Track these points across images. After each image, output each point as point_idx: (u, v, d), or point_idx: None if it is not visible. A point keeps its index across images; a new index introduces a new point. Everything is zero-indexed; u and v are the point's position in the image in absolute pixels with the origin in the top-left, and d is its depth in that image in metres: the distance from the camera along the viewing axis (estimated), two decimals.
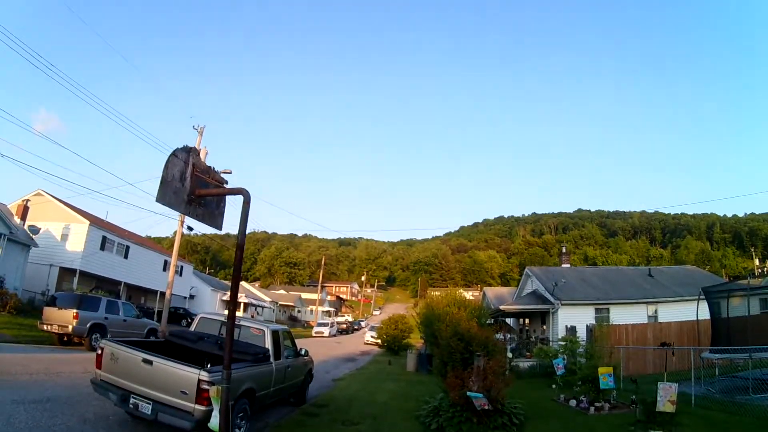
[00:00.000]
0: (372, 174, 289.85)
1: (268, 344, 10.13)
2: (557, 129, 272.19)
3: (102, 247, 35.18)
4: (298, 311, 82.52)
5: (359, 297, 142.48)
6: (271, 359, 9.97)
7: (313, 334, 53.13)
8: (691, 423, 10.82)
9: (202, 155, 26.89)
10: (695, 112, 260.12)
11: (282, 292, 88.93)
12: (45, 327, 18.80)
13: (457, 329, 14.78)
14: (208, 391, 7.02)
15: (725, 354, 15.42)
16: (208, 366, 7.60)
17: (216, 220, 8.28)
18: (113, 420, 8.59)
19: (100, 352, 8.06)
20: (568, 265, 31.70)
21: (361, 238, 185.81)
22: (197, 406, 7.10)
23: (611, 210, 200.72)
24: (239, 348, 9.32)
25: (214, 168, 8.30)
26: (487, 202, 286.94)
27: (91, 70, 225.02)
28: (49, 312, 18.96)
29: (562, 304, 24.22)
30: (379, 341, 39.03)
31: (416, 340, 35.64)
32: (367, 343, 44.45)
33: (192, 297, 49.79)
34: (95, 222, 35.01)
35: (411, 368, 23.74)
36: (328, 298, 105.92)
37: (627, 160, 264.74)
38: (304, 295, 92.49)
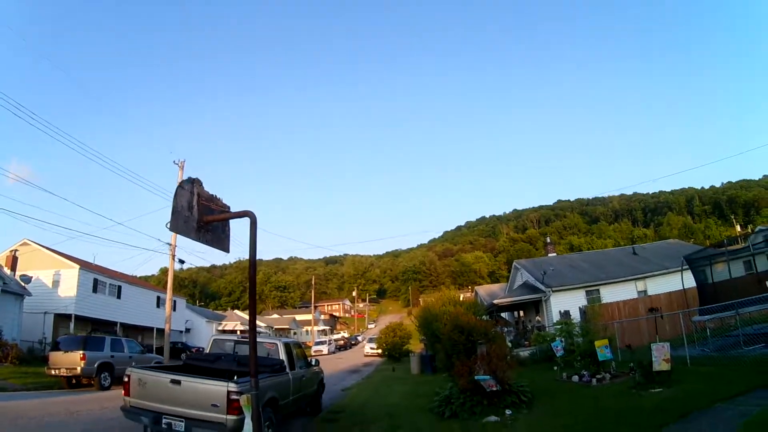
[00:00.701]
0: (352, 188, 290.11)
1: (282, 356, 10.62)
2: (529, 120, 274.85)
3: (94, 290, 35.14)
4: (294, 333, 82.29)
5: (352, 313, 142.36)
6: (287, 369, 10.45)
7: (313, 353, 53.08)
8: (688, 379, 11.52)
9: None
10: (662, 87, 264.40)
11: (276, 316, 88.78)
12: (53, 371, 18.88)
13: (457, 323, 15.36)
14: (238, 401, 7.50)
15: (713, 315, 16.14)
16: (235, 378, 8.07)
17: (223, 243, 8.85)
18: None
19: (126, 380, 8.47)
20: (555, 254, 32.53)
21: (346, 254, 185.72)
22: (229, 417, 7.57)
23: (591, 197, 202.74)
24: (260, 362, 9.82)
25: (216, 196, 8.91)
26: (467, 204, 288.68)
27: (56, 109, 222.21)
28: (55, 356, 19.06)
29: (553, 291, 24.94)
30: (379, 351, 39.40)
31: (415, 344, 36.08)
32: (368, 355, 44.69)
33: (188, 330, 49.64)
34: (85, 266, 35.01)
35: (415, 371, 24.19)
36: (322, 317, 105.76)
37: (601, 145, 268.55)
38: (298, 317, 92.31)
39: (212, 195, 8.74)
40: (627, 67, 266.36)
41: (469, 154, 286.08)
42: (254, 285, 8.02)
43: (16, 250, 31.48)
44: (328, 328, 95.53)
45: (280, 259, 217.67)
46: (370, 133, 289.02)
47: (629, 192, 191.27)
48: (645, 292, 25.46)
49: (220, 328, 52.76)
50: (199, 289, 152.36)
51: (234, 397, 7.57)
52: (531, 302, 27.67)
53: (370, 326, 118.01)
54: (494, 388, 10.41)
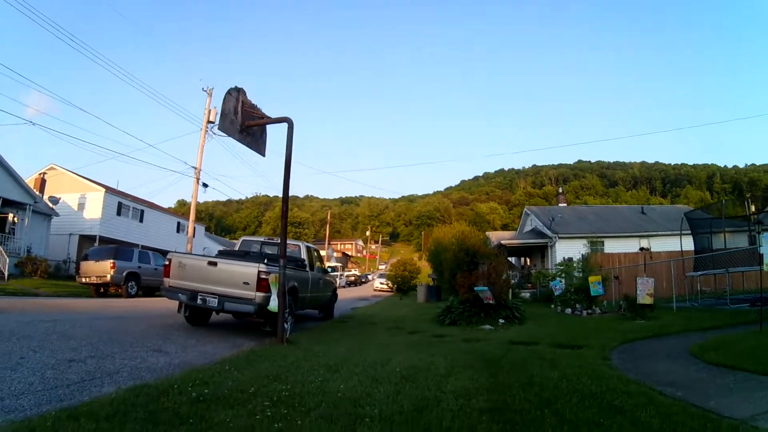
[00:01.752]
0: (372, 129, 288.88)
1: (304, 255, 11.91)
2: (556, 78, 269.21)
3: (118, 213, 36.43)
4: None
5: (364, 253, 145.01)
6: (307, 268, 11.73)
7: None
8: (670, 317, 12.66)
9: (213, 115, 28.41)
10: (697, 62, 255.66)
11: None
12: (83, 280, 20.06)
13: (463, 245, 16.45)
14: (266, 280, 8.75)
15: (705, 271, 17.02)
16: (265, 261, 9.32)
17: (261, 147, 10.07)
18: (177, 325, 10.22)
19: (168, 263, 9.71)
20: (565, 204, 33.30)
21: (362, 196, 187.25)
22: (258, 293, 8.85)
23: (612, 161, 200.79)
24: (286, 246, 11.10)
25: (257, 105, 10.02)
26: (487, 155, 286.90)
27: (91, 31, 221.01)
28: (86, 266, 20.11)
29: (559, 238, 25.90)
30: (388, 284, 40.73)
31: (425, 278, 37.39)
32: (377, 290, 46.13)
33: None
34: (110, 190, 36.26)
35: (421, 299, 25.57)
36: (335, 254, 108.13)
37: (627, 109, 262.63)
38: None
39: (254, 104, 9.87)
40: (677, 41, 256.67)
41: (495, 105, 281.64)
42: (288, 184, 9.17)
43: (44, 173, 32.75)
44: (339, 264, 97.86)
45: (296, 196, 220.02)
46: (394, 79, 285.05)
47: (651, 160, 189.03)
48: (648, 249, 26.31)
49: None
50: (215, 222, 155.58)
51: (263, 276, 8.81)
52: (537, 248, 28.73)
53: (381, 267, 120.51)
54: (490, 301, 11.59)
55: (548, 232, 26.52)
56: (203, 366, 6.03)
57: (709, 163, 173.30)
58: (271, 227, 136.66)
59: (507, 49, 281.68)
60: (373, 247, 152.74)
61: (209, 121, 27.79)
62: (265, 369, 5.83)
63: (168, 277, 9.65)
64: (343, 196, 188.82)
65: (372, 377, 5.51)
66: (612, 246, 25.95)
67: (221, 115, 8.93)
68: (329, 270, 14.44)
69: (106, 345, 7.22)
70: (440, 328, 11.86)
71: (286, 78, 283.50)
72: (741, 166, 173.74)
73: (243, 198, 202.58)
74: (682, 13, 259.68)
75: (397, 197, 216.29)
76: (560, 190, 36.44)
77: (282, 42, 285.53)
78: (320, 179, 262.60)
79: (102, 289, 20.19)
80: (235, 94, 9.30)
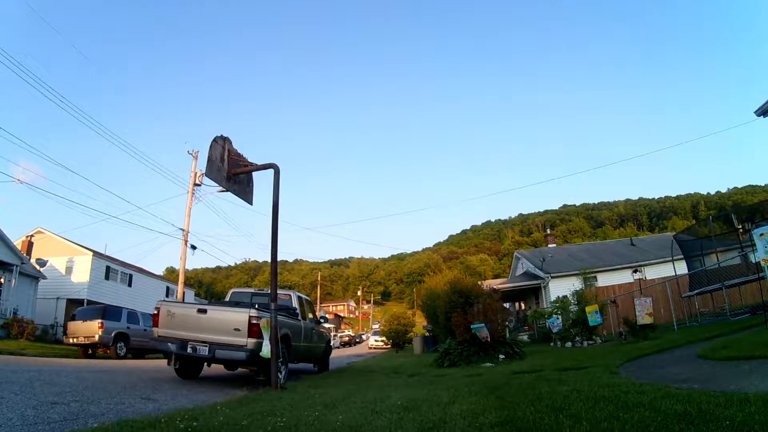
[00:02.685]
0: (359, 191, 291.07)
1: (296, 304, 11.61)
2: (537, 126, 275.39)
3: (106, 277, 36.14)
4: None
5: (357, 313, 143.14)
6: (299, 317, 11.41)
7: None
8: (672, 335, 12.44)
9: (199, 177, 28.49)
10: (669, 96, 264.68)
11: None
12: (71, 340, 19.56)
13: (456, 287, 16.21)
14: (258, 325, 8.48)
15: (701, 288, 16.91)
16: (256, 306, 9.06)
17: (248, 195, 10.06)
18: (167, 377, 9.88)
19: (156, 312, 9.44)
20: (554, 245, 33.31)
21: (351, 257, 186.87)
22: (250, 339, 8.56)
23: (596, 201, 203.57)
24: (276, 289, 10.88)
25: (242, 154, 10.09)
26: (473, 209, 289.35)
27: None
28: (74, 326, 19.74)
29: (551, 277, 25.74)
30: (384, 340, 40.10)
31: (420, 330, 36.71)
32: (372, 347, 45.44)
33: None
34: (97, 254, 36.03)
35: (418, 351, 25.04)
36: (327, 316, 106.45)
37: (607, 150, 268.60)
38: None
39: (239, 153, 9.91)
40: (651, 74, 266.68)
41: (476, 160, 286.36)
42: (276, 229, 9.08)
43: (32, 236, 32.57)
44: (332, 326, 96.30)
45: (286, 261, 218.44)
46: (375, 136, 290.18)
47: (635, 197, 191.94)
48: (641, 279, 26.21)
49: None
50: (205, 289, 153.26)
51: (255, 321, 8.53)
52: (531, 290, 28.48)
53: (374, 326, 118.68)
54: (487, 338, 11.29)
55: (540, 273, 26.38)
56: (194, 407, 5.71)
57: (692, 192, 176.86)
58: None
59: (481, 97, 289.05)
60: (365, 307, 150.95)
61: (195, 184, 27.82)
62: (259, 407, 5.55)
63: (157, 326, 9.34)
64: (333, 258, 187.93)
65: (372, 410, 5.23)
66: (606, 279, 25.82)
67: (208, 162, 8.89)
68: (322, 321, 14.04)
69: (92, 392, 6.89)
70: (439, 370, 11.45)
71: (271, 136, 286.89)
72: (723, 190, 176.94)
73: (232, 264, 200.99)
74: (659, 43, 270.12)
75: (386, 256, 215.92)
76: (548, 231, 36.54)
77: (269, 100, 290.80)
78: (309, 242, 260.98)
79: (90, 350, 19.53)
80: (221, 142, 9.33)
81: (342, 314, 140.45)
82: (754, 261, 19.00)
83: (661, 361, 7.85)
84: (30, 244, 31.96)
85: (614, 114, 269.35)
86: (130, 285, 39.01)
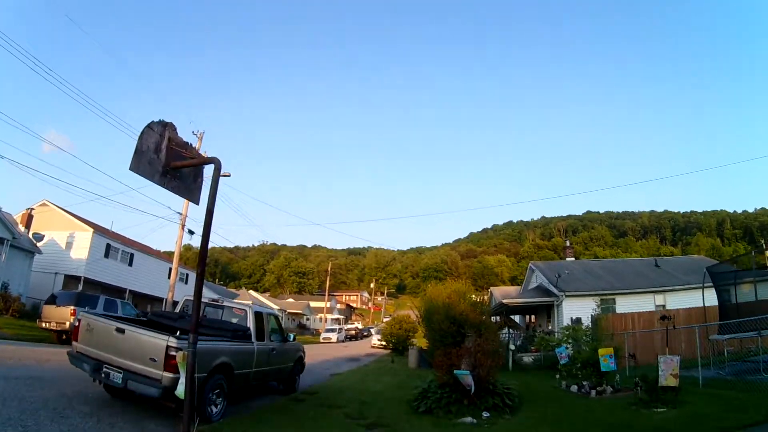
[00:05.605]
0: (383, 183, 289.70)
1: (250, 324, 9.89)
2: (565, 132, 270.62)
3: (106, 255, 35.13)
4: (307, 319, 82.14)
5: (369, 305, 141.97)
6: (253, 339, 9.70)
7: (321, 340, 53.06)
8: (697, 400, 10.32)
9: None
10: (700, 107, 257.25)
11: (291, 300, 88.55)
12: (44, 324, 18.88)
13: (450, 312, 14.38)
14: (175, 357, 6.82)
15: (733, 334, 14.87)
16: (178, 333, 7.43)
17: (193, 194, 8.35)
18: (91, 396, 8.47)
19: (77, 324, 8.05)
20: (573, 258, 31.07)
21: (370, 247, 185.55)
22: (165, 374, 6.98)
23: (620, 210, 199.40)
24: (217, 324, 9.22)
25: (191, 144, 8.35)
26: (496, 209, 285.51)
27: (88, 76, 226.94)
28: (48, 310, 19.03)
29: (566, 296, 23.72)
30: (384, 343, 38.66)
31: (421, 339, 35.09)
32: (374, 347, 43.85)
33: None
34: (99, 230, 35.01)
35: (413, 364, 23.32)
36: (338, 305, 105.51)
37: (635, 159, 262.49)
38: (313, 304, 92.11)
39: (186, 142, 8.21)
40: (681, 90, 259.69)
41: (505, 158, 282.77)
42: (208, 233, 7.34)
43: (32, 209, 31.59)
44: (342, 317, 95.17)
45: (304, 246, 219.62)
46: (403, 132, 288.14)
47: (660, 209, 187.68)
48: (663, 306, 24.10)
49: None
50: (221, 269, 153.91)
51: (172, 353, 6.89)
52: (543, 306, 26.45)
53: (385, 320, 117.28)
54: (470, 386, 9.44)
55: (554, 290, 24.33)
56: None
57: (718, 209, 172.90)
58: (275, 276, 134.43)
59: (516, 104, 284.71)
60: (379, 299, 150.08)
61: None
62: None
63: (76, 340, 7.98)
64: (351, 247, 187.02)
65: None
66: (624, 304, 23.75)
67: (135, 152, 7.07)
68: (290, 337, 12.29)
69: None
70: (410, 418, 9.61)
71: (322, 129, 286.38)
72: (750, 210, 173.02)
73: (250, 246, 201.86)
74: (691, 55, 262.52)
75: (405, 248, 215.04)
76: (567, 243, 34.28)
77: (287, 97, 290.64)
78: (328, 232, 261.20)
79: (64, 336, 18.52)
80: (159, 129, 7.51)
81: (354, 304, 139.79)
82: None
83: None
84: (30, 218, 31.04)
85: (649, 129, 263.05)
86: (131, 264, 38.03)
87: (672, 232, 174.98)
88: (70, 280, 33.34)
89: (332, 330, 56.47)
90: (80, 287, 32.95)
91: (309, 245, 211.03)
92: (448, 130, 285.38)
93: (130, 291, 37.62)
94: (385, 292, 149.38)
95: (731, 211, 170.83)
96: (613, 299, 24.12)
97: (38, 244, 30.14)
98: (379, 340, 43.85)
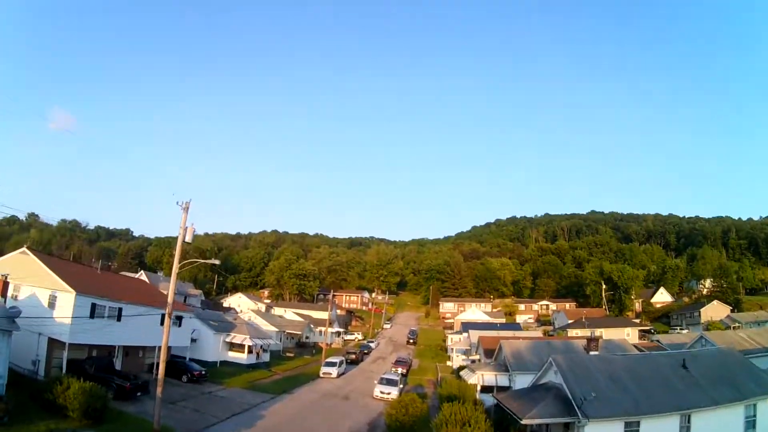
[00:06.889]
0: (386, 172, 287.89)
1: None
2: (571, 130, 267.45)
3: (92, 315, 33.06)
4: (306, 337, 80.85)
5: (370, 306, 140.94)
6: None
7: (321, 376, 51.48)
8: None
9: (189, 233, 25.28)
10: (713, 111, 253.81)
11: (290, 316, 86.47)
12: None
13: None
14: None
15: None
16: None
17: None
18: None
19: None
20: (597, 353, 28.81)
21: (372, 237, 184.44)
22: None
23: (625, 212, 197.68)
24: None
25: None
26: (499, 201, 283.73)
27: None
28: None
29: (590, 421, 21.70)
30: (391, 398, 37.90)
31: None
32: (377, 398, 41.81)
33: (194, 341, 47.51)
34: (82, 290, 32.77)
35: None
36: (338, 312, 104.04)
37: (641, 161, 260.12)
38: (314, 314, 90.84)
39: None
40: (690, 94, 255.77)
41: (510, 153, 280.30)
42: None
43: (6, 276, 28.97)
44: (342, 330, 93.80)
45: (306, 234, 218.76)
46: (407, 125, 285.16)
47: (665, 212, 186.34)
48: (688, 428, 22.62)
49: (228, 340, 50.80)
50: (222, 258, 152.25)
51: None
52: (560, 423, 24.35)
53: (386, 326, 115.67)
54: None
55: (576, 409, 22.16)
56: None
57: (723, 216, 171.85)
58: (275, 277, 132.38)
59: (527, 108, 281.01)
60: (380, 298, 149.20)
61: (185, 241, 25.74)
62: None
63: None
64: (353, 236, 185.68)
65: None
66: (649, 427, 22.12)
67: None
68: None
69: None
70: None
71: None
72: (755, 218, 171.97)
73: (252, 232, 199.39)
74: (705, 62, 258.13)
75: (407, 240, 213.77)
76: (592, 335, 31.60)
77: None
78: (333, 218, 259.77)
79: None
80: None
81: (355, 306, 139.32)
82: None
83: None
84: (5, 284, 28.72)
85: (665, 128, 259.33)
86: (119, 319, 35.89)
87: (676, 238, 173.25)
88: (55, 342, 31.50)
89: (332, 364, 54.13)
90: (65, 353, 31.19)
91: (311, 233, 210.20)
92: (457, 124, 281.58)
93: (119, 346, 36.02)
94: (387, 291, 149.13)
95: (736, 218, 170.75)
96: (638, 422, 22.28)
97: (19, 298, 28.03)
98: (382, 392, 42.05)
